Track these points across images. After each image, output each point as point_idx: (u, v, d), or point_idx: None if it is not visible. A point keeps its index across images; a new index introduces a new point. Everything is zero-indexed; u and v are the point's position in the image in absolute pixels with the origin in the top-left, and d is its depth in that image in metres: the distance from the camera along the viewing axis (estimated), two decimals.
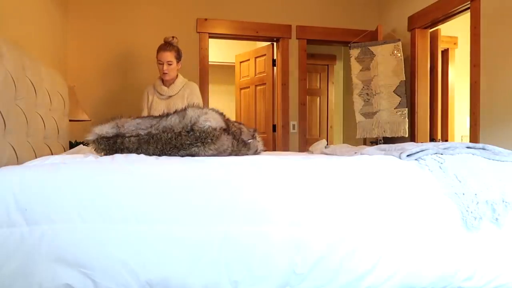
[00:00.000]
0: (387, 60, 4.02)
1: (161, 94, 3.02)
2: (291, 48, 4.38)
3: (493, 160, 1.52)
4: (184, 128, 1.61)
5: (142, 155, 1.62)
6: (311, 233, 1.27)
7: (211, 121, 1.61)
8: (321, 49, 5.62)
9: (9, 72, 1.78)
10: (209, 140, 1.60)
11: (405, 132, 3.90)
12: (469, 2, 3.27)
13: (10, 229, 1.17)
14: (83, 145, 3.10)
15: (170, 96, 3.00)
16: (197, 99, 3.02)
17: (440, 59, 4.27)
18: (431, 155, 1.50)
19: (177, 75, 3.04)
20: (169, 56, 2.92)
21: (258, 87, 4.82)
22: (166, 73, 2.93)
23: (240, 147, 1.74)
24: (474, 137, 3.18)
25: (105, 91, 3.87)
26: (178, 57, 2.99)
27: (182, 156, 1.61)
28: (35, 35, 2.85)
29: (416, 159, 1.49)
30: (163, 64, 2.92)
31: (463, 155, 1.51)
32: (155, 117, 1.75)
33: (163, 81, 3.02)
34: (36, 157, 1.88)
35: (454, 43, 4.64)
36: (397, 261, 1.30)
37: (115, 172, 1.29)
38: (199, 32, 4.11)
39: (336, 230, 1.28)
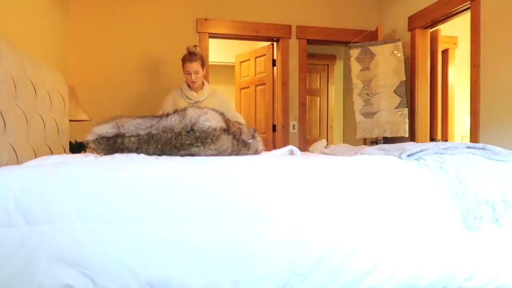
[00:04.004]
0: (387, 60, 4.02)
1: (189, 99, 3.12)
2: (291, 48, 4.38)
3: (493, 160, 1.52)
4: (184, 128, 1.61)
5: (142, 155, 1.62)
6: (311, 233, 1.27)
7: (211, 121, 1.61)
8: (321, 49, 5.62)
9: (9, 72, 1.78)
10: (209, 140, 1.59)
11: (405, 132, 3.90)
12: (469, 2, 3.27)
13: (10, 230, 1.17)
14: (83, 145, 3.11)
15: (197, 102, 3.09)
16: (230, 106, 3.23)
17: (440, 59, 4.27)
18: (431, 155, 1.50)
19: (202, 81, 3.18)
20: (195, 65, 3.05)
21: (258, 87, 4.82)
22: (194, 82, 3.08)
23: (240, 147, 1.74)
24: (474, 137, 3.18)
25: (105, 91, 3.87)
26: (203, 64, 3.13)
27: (182, 156, 1.61)
28: (35, 35, 2.85)
29: (416, 159, 1.49)
30: (190, 74, 3.06)
31: (463, 155, 1.51)
32: (155, 117, 1.75)
33: (189, 86, 3.15)
34: (36, 157, 1.88)
35: (454, 43, 4.64)
36: (397, 262, 1.30)
37: (115, 172, 1.29)
38: (199, 32, 4.11)
39: (336, 230, 1.28)
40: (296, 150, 2.00)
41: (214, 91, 3.25)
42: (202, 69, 3.12)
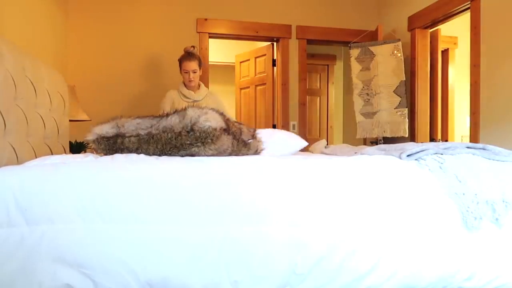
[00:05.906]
0: (387, 60, 4.02)
1: (187, 98, 3.20)
2: (291, 48, 4.38)
3: (493, 160, 1.52)
4: (184, 128, 1.61)
5: (142, 155, 1.62)
6: (311, 233, 1.27)
7: (211, 121, 1.61)
8: (321, 49, 5.62)
9: (9, 72, 1.78)
10: (209, 140, 1.59)
11: (405, 132, 3.90)
12: (469, 2, 3.27)
13: (10, 229, 1.17)
14: (83, 145, 3.12)
15: (195, 101, 3.19)
16: (225, 110, 3.21)
17: (440, 59, 4.27)
18: (431, 155, 1.50)
19: (198, 83, 3.26)
20: (193, 65, 3.14)
21: (258, 87, 4.82)
22: (192, 81, 3.16)
23: (240, 147, 1.74)
24: (474, 137, 3.18)
25: (105, 91, 3.87)
26: (200, 65, 3.22)
27: (182, 156, 1.61)
28: (35, 35, 2.85)
29: (416, 159, 1.49)
30: (188, 72, 3.14)
31: (463, 155, 1.51)
32: (155, 117, 1.75)
33: (185, 86, 3.23)
34: (36, 157, 1.88)
35: (454, 43, 4.64)
36: (397, 261, 1.30)
37: (115, 172, 1.29)
38: (199, 32, 4.11)
39: (336, 230, 1.28)
40: (294, 137, 2.01)
41: (210, 92, 3.32)
42: (199, 69, 3.19)
